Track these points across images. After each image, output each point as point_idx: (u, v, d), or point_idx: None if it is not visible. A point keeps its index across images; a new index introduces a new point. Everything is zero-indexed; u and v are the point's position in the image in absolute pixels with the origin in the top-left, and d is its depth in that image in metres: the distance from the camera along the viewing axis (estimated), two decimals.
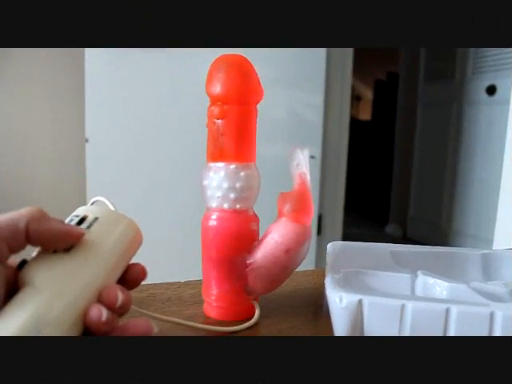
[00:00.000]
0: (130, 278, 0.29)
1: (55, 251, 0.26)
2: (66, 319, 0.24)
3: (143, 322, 0.26)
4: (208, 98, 0.39)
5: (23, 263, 0.25)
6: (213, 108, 0.37)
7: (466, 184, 2.46)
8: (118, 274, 0.28)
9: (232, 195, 0.37)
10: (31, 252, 0.26)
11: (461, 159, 2.49)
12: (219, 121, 0.37)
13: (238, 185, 0.37)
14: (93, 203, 0.35)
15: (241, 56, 0.38)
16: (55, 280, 0.24)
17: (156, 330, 0.26)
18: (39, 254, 0.26)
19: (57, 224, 0.25)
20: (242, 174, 0.37)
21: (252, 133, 0.38)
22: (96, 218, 0.28)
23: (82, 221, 0.28)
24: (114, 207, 0.34)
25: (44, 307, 0.23)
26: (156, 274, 0.39)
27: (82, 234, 0.26)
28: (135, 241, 0.30)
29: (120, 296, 0.25)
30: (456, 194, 2.53)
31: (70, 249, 0.26)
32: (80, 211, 0.29)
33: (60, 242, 0.25)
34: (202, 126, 0.38)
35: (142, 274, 0.29)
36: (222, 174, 0.37)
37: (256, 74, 0.38)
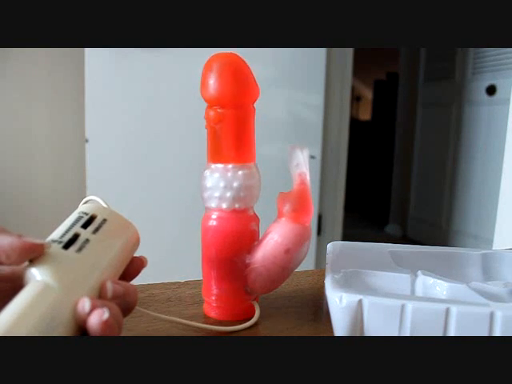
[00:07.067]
0: (128, 271, 0.30)
1: (66, 248, 0.26)
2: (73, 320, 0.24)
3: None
4: None
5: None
6: (210, 113, 0.37)
7: (465, 184, 2.46)
8: (117, 277, 0.29)
9: (229, 194, 0.37)
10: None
11: (461, 159, 2.49)
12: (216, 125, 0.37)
13: (235, 184, 0.37)
14: (86, 202, 0.36)
15: (233, 54, 0.37)
16: (68, 279, 0.25)
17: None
18: (50, 252, 0.26)
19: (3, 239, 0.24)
20: (239, 173, 0.37)
21: (250, 133, 0.38)
22: (104, 220, 0.29)
23: (91, 220, 0.28)
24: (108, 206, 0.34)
25: (58, 305, 0.23)
26: (156, 274, 0.39)
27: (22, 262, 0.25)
28: (135, 247, 0.31)
29: (110, 286, 0.26)
30: (456, 193, 2.53)
31: (81, 249, 0.26)
32: (89, 209, 0.29)
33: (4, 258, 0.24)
34: (202, 127, 0.38)
35: (140, 264, 0.31)
36: (219, 173, 0.37)
37: (250, 73, 0.37)
